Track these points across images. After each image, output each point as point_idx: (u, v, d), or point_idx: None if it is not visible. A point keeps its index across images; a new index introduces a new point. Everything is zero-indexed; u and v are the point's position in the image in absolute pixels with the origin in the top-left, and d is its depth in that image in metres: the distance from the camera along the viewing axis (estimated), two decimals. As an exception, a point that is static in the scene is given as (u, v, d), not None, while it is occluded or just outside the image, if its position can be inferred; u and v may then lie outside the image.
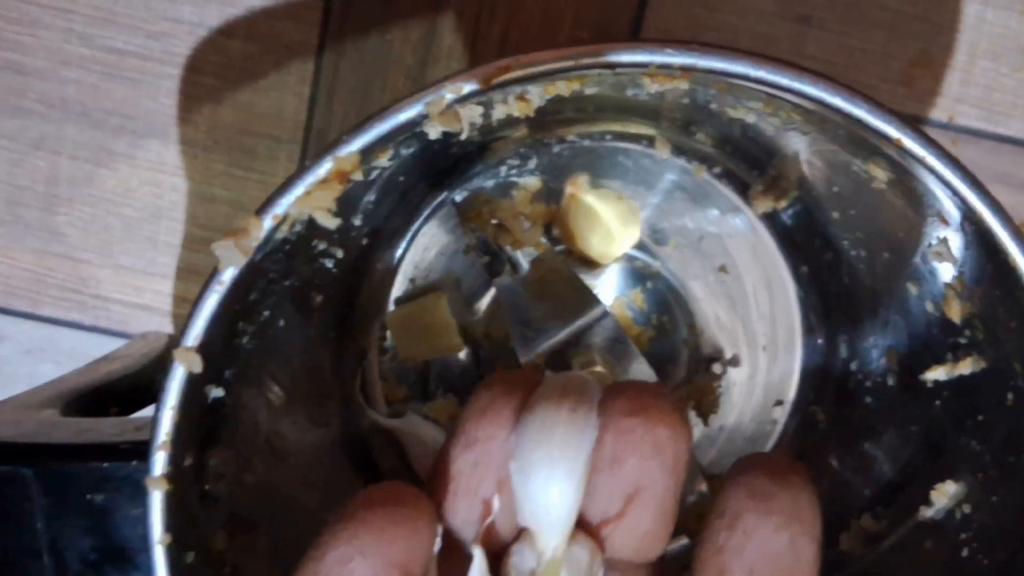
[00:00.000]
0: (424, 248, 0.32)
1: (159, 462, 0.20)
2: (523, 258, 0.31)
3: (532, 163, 0.31)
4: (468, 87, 0.19)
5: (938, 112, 0.35)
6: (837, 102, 0.19)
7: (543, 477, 0.16)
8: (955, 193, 0.19)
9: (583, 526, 0.17)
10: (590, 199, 0.31)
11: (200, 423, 0.22)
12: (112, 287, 0.37)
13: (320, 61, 0.35)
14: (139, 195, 0.36)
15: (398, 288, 0.32)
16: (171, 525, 0.21)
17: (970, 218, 0.20)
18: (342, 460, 0.31)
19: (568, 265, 0.31)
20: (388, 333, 0.32)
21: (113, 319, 0.37)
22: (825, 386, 0.31)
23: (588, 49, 0.19)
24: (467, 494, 0.17)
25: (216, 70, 0.36)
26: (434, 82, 0.19)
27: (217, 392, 0.22)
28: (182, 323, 0.21)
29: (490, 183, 0.31)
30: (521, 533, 0.17)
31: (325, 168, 0.19)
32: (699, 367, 0.32)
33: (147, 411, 0.28)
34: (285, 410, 0.27)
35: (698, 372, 0.32)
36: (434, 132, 0.22)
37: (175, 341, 0.20)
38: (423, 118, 0.19)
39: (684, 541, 0.27)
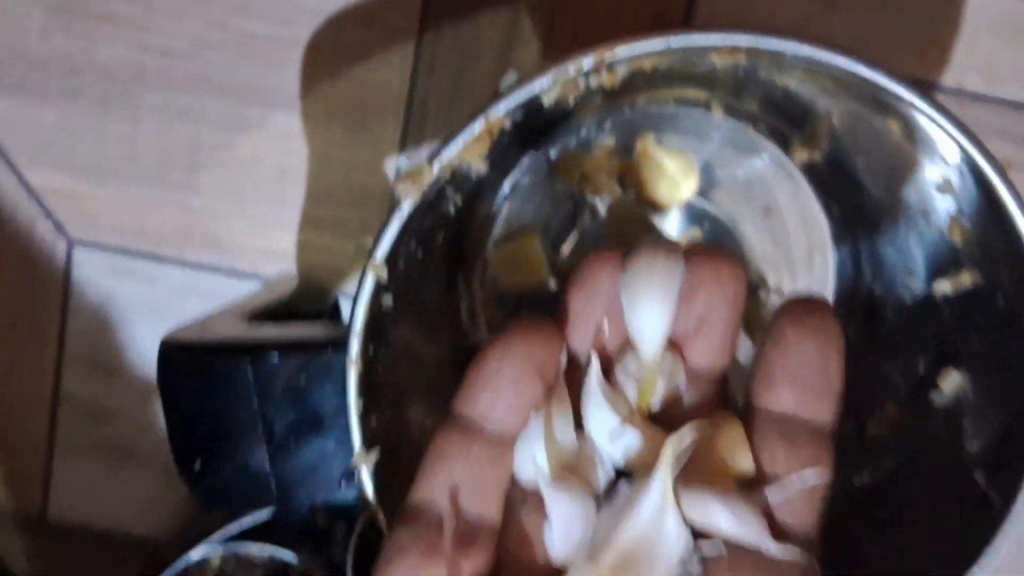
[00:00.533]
0: (518, 198, 0.38)
1: (355, 346, 0.27)
2: (601, 205, 0.38)
3: (607, 125, 0.37)
4: (587, 63, 0.25)
5: (947, 79, 0.41)
6: (864, 72, 0.25)
7: (648, 301, 0.22)
8: (953, 140, 0.26)
9: (670, 343, 0.23)
10: (656, 154, 0.37)
11: (375, 323, 0.28)
12: (245, 237, 0.43)
13: (421, 42, 0.42)
14: (268, 158, 0.43)
15: (497, 231, 0.38)
16: (361, 394, 0.27)
17: (966, 160, 0.26)
18: (453, 376, 0.38)
19: (640, 210, 0.37)
20: (489, 268, 0.38)
21: (247, 263, 0.44)
22: (853, 306, 0.37)
23: (678, 33, 0.25)
24: (583, 320, 0.24)
25: (333, 50, 0.42)
26: (559, 61, 0.26)
27: (388, 300, 0.28)
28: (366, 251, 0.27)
29: (572, 142, 0.37)
30: (625, 349, 0.24)
31: (479, 126, 0.26)
32: (747, 295, 0.39)
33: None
34: (415, 327, 0.34)
35: (747, 299, 0.39)
36: (548, 100, 0.28)
37: (367, 257, 0.26)
38: (550, 87, 0.26)
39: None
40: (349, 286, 0.44)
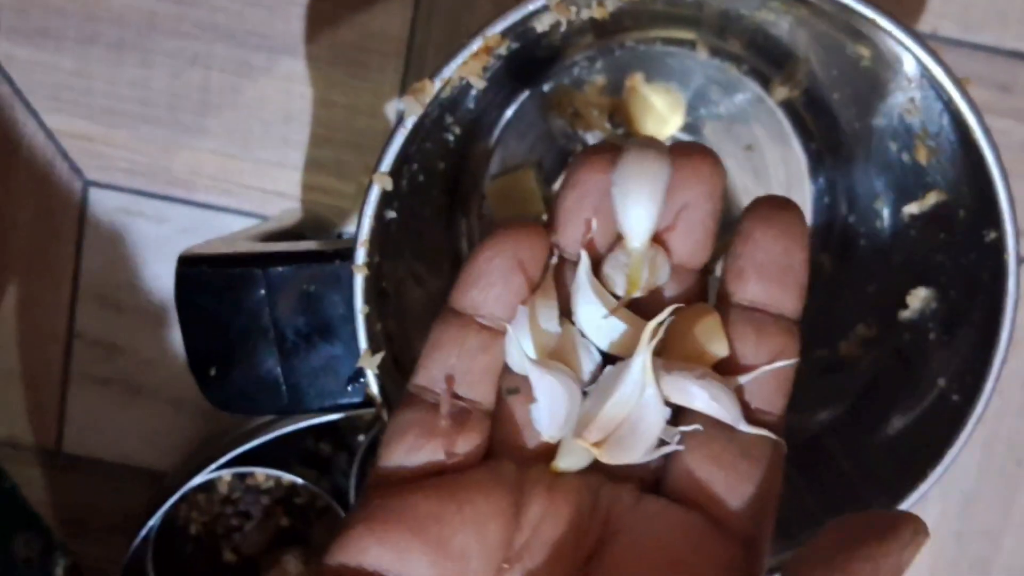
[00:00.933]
0: (512, 133, 0.40)
1: (361, 254, 0.29)
2: (592, 141, 0.40)
3: (598, 64, 0.39)
4: (577, -14, 0.27)
5: (924, 25, 0.43)
6: (835, -4, 0.27)
7: (637, 194, 0.24)
8: (915, 57, 0.28)
9: (655, 239, 0.25)
10: (644, 91, 0.39)
11: (380, 235, 0.30)
12: (252, 177, 0.45)
13: (420, -11, 0.44)
14: (274, 102, 0.45)
15: (493, 166, 0.40)
16: (367, 300, 0.29)
17: (927, 76, 0.28)
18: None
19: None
20: (486, 201, 0.40)
21: (254, 203, 0.46)
22: (830, 236, 0.39)
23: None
24: (574, 218, 0.25)
25: (336, -2, 0.44)
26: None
27: (392, 214, 0.30)
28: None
29: (565, 80, 0.40)
30: (615, 244, 0.26)
31: (477, 44, 0.28)
32: (730, 228, 0.41)
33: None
34: (417, 256, 0.36)
35: (728, 231, 0.41)
36: (541, 25, 0.30)
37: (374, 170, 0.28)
38: (544, 8, 0.28)
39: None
40: (350, 225, 0.46)
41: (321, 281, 0.30)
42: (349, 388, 0.31)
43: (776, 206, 0.26)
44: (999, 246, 0.29)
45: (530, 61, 0.37)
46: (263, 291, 0.30)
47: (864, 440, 0.35)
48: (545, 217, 0.41)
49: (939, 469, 0.31)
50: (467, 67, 0.28)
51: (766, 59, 0.38)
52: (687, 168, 0.25)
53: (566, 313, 0.26)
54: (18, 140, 0.45)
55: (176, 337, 0.47)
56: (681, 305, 0.25)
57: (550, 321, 0.26)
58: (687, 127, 0.40)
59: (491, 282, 0.25)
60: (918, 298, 0.33)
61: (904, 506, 0.32)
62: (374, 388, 0.30)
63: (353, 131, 0.45)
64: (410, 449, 0.25)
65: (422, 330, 0.35)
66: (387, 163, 0.28)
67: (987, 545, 0.48)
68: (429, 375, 0.25)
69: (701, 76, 0.39)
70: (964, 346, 0.32)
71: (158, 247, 0.46)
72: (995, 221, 0.29)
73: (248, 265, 0.30)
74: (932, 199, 0.32)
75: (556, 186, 0.41)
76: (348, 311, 0.30)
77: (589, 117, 0.39)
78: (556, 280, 0.26)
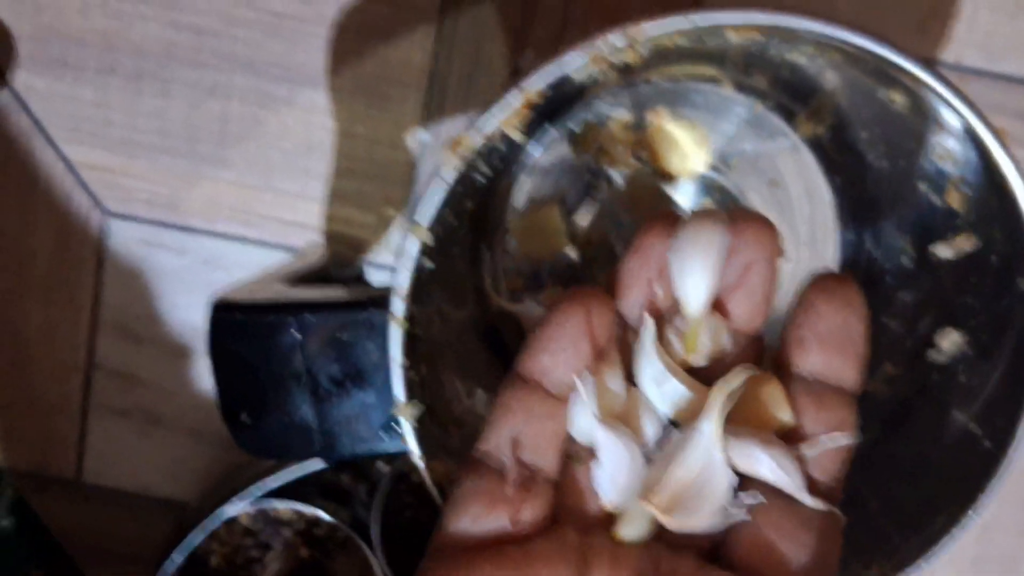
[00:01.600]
0: (538, 169, 0.40)
1: (400, 306, 0.29)
2: (617, 176, 0.40)
3: (623, 99, 0.39)
4: (618, 42, 0.27)
5: (947, 55, 0.43)
6: (874, 48, 0.27)
7: (693, 262, 0.25)
8: (954, 110, 0.28)
9: (715, 305, 0.25)
10: (669, 127, 0.39)
11: (415, 284, 0.30)
12: (273, 208, 0.45)
13: (442, 20, 0.44)
14: (295, 133, 0.45)
15: (518, 201, 0.40)
16: (403, 351, 0.29)
17: (966, 128, 0.28)
18: (476, 339, 0.40)
19: (655, 181, 0.39)
20: (510, 236, 0.40)
21: (275, 234, 0.45)
22: (855, 272, 0.39)
23: (700, 13, 0.27)
24: (636, 284, 0.26)
25: (357, 28, 0.44)
26: (590, 38, 0.27)
27: (429, 265, 0.30)
28: (411, 210, 0.29)
29: (589, 117, 0.39)
30: (675, 310, 0.26)
31: (518, 100, 0.28)
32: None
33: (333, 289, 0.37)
34: (444, 290, 0.36)
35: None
36: (579, 76, 0.30)
37: (409, 221, 0.28)
38: (583, 64, 0.28)
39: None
40: (372, 256, 0.46)
41: (354, 328, 0.30)
42: (383, 435, 0.31)
43: (837, 280, 0.26)
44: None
45: (557, 100, 0.37)
46: (297, 338, 0.30)
47: (887, 476, 0.36)
48: (570, 252, 0.41)
49: (971, 514, 0.31)
50: (507, 122, 0.27)
51: (792, 95, 0.38)
52: (747, 233, 0.25)
53: (629, 379, 0.26)
54: (37, 171, 0.45)
55: (196, 368, 0.47)
56: (754, 369, 0.25)
57: (616, 385, 0.26)
58: (712, 164, 0.40)
59: (562, 347, 0.25)
60: (948, 340, 0.33)
61: (936, 550, 0.32)
62: (411, 440, 0.30)
63: (374, 162, 0.45)
64: (476, 517, 0.25)
65: (449, 369, 0.35)
66: (426, 217, 0.28)
67: (1004, 571, 0.48)
68: (495, 441, 0.26)
69: (726, 111, 0.39)
70: (994, 390, 0.32)
71: (179, 278, 0.46)
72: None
73: (282, 313, 0.30)
74: (965, 243, 0.32)
75: (578, 218, 0.41)
76: (382, 358, 0.30)
77: (614, 153, 0.39)
78: (618, 346, 0.26)
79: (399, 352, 0.29)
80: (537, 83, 0.27)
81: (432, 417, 0.31)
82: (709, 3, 0.43)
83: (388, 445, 0.31)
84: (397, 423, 0.30)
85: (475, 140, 0.28)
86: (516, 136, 0.28)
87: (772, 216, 0.39)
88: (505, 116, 0.27)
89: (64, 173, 0.45)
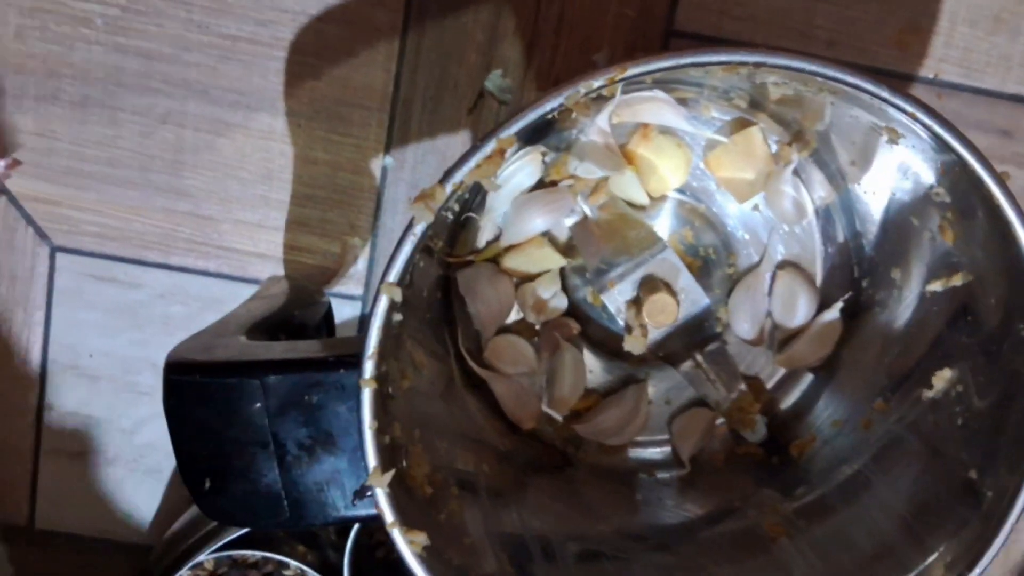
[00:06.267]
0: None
1: (370, 368, 0.27)
2: (587, 206, 0.38)
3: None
4: (597, 83, 0.25)
5: (925, 70, 0.42)
6: (870, 87, 0.26)
7: None
8: (947, 145, 0.26)
9: None
10: (657, 141, 0.37)
11: (385, 341, 0.28)
12: (232, 238, 0.43)
13: (404, 41, 0.42)
14: (253, 160, 0.43)
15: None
16: (374, 415, 0.27)
17: (959, 164, 0.27)
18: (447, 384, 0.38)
19: (629, 208, 0.38)
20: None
21: (233, 266, 0.43)
22: (844, 304, 0.38)
23: (685, 53, 0.26)
24: None
25: (315, 51, 0.42)
26: (570, 81, 0.26)
27: (398, 317, 0.28)
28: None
29: (560, 145, 0.38)
30: None
31: (490, 147, 0.26)
32: (725, 244, 0.39)
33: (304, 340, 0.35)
34: (416, 338, 0.34)
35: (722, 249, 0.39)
36: (552, 114, 0.28)
37: (381, 281, 0.26)
38: (560, 106, 0.26)
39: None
40: (337, 287, 0.44)
41: (323, 390, 0.28)
42: (355, 503, 0.29)
43: None
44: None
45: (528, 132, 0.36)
46: (260, 402, 0.28)
47: (874, 510, 0.34)
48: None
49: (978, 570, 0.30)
50: (480, 171, 0.26)
51: (775, 119, 0.36)
52: None
53: None
54: (-22, 205, 0.43)
55: (154, 406, 0.45)
56: None
57: None
58: (691, 190, 0.38)
59: None
60: (942, 379, 0.32)
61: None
62: (386, 508, 0.28)
63: (336, 188, 0.43)
64: None
65: (428, 428, 0.33)
66: (395, 273, 0.26)
67: None
68: None
69: (707, 133, 0.38)
70: (994, 439, 0.31)
71: (133, 313, 0.44)
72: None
73: (244, 374, 0.28)
74: (958, 280, 0.31)
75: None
76: (352, 420, 0.28)
77: (586, 182, 0.37)
78: None
79: (370, 417, 0.27)
80: (511, 129, 0.25)
81: (408, 479, 0.30)
82: (683, 15, 0.41)
83: (361, 512, 0.29)
84: (371, 489, 0.28)
85: (447, 191, 0.26)
86: (489, 185, 0.26)
87: (756, 236, 0.37)
88: (479, 164, 0.26)
89: (6, 206, 0.43)
